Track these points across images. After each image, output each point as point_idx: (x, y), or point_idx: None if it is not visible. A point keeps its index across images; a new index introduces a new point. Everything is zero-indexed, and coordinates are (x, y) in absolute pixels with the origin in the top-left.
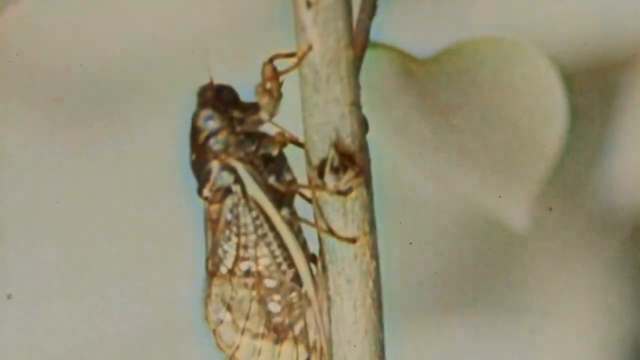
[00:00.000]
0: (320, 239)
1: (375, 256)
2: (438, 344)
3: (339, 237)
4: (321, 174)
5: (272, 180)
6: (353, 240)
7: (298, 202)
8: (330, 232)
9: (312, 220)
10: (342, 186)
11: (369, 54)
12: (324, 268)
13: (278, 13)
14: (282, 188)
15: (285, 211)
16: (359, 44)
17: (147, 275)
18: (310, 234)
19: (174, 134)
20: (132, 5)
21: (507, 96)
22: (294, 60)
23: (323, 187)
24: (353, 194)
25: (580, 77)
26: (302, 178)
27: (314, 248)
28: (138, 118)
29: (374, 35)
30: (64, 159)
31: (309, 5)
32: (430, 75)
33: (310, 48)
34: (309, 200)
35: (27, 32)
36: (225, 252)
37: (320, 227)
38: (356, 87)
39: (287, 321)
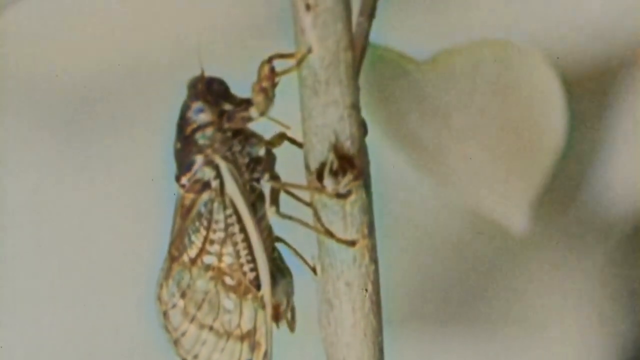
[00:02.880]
0: (318, 243)
1: (374, 259)
2: (435, 351)
3: (338, 240)
4: (320, 177)
5: (260, 178)
6: (352, 243)
7: (297, 204)
8: (329, 235)
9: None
10: (342, 189)
11: (368, 56)
12: (323, 271)
13: (277, 16)
14: (269, 185)
15: (272, 209)
16: (358, 46)
17: (143, 284)
18: (310, 236)
19: (166, 153)
20: (129, 12)
21: (506, 99)
22: (292, 61)
23: (322, 190)
24: (352, 197)
25: (579, 80)
26: (299, 179)
27: (312, 251)
28: (136, 127)
29: (373, 38)
30: (62, 167)
31: (308, 7)
32: (430, 77)
33: (309, 50)
34: (308, 204)
35: (24, 41)
36: (191, 242)
37: (319, 230)
38: (355, 90)
39: (237, 320)
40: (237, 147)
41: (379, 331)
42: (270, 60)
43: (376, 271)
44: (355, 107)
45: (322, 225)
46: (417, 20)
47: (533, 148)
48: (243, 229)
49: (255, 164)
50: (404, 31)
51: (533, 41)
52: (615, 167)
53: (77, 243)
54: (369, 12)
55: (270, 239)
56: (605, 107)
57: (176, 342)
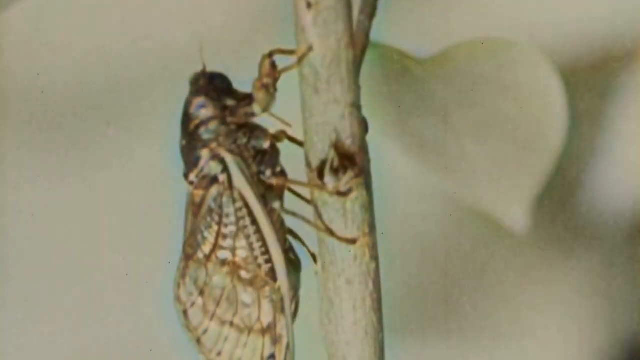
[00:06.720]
0: (319, 240)
1: (375, 257)
2: (435, 349)
3: (339, 238)
4: (321, 175)
5: (264, 173)
6: (353, 241)
7: (299, 202)
8: (330, 232)
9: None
10: (342, 187)
11: (369, 55)
12: (324, 268)
13: (278, 14)
14: (273, 182)
15: (277, 204)
16: (359, 44)
17: (143, 289)
18: (310, 234)
19: (173, 153)
20: (130, 10)
21: (506, 97)
22: (293, 57)
23: (323, 187)
24: (353, 195)
25: (579, 79)
26: (300, 177)
27: (313, 249)
28: (142, 126)
29: (374, 36)
30: (68, 167)
31: (309, 6)
32: (430, 76)
33: (310, 49)
34: (308, 201)
35: (24, 41)
36: (204, 238)
37: (320, 227)
38: (356, 88)
39: (256, 313)
40: (242, 140)
41: (380, 329)
42: (270, 55)
43: (377, 269)
44: (356, 105)
45: (323, 222)
46: (417, 18)
47: (533, 147)
48: (255, 221)
49: (262, 157)
50: (405, 29)
51: (533, 40)
52: (614, 166)
53: (90, 248)
54: (370, 11)
55: (283, 231)
56: (605, 106)
57: (198, 341)
